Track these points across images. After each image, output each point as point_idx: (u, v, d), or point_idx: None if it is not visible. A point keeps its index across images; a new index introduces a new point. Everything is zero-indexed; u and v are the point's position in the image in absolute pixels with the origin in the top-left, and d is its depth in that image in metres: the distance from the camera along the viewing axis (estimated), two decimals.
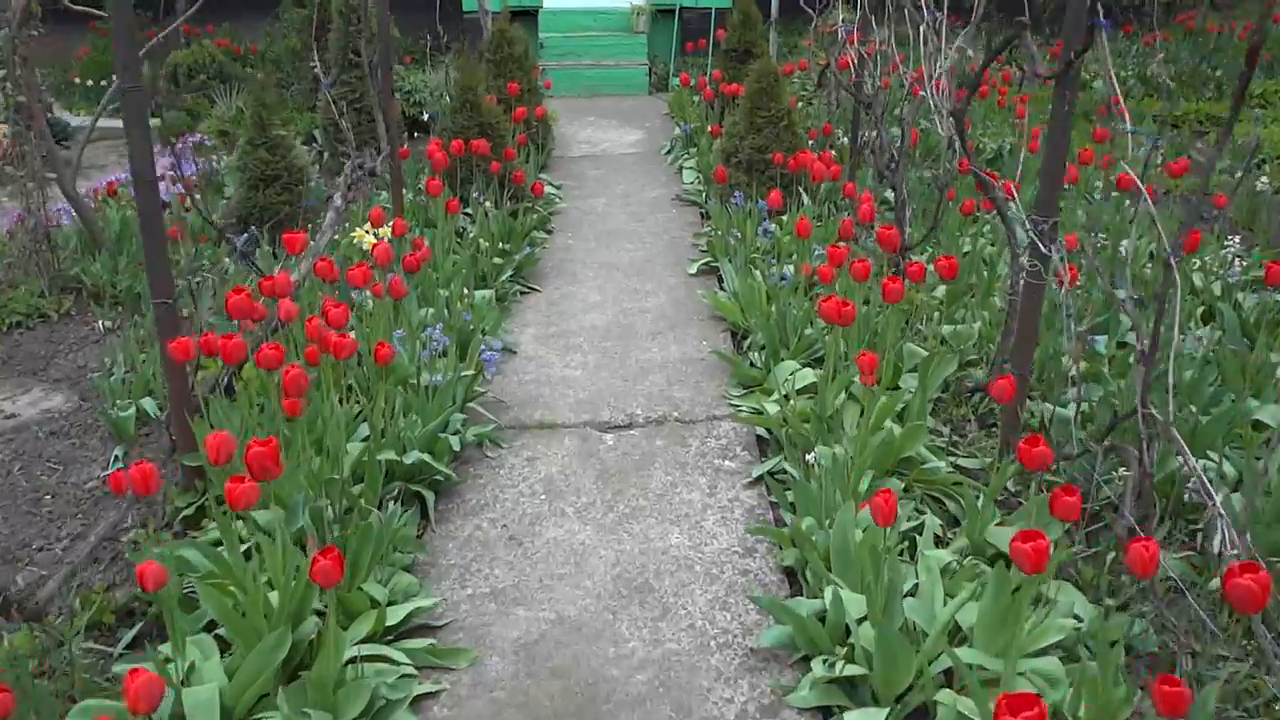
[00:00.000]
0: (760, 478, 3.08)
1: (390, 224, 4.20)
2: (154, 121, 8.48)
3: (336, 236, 4.56)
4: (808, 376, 3.49)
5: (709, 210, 5.66)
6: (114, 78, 9.70)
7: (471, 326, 3.84)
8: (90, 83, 9.80)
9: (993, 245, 4.95)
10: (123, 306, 4.68)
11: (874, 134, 5.21)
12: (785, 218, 4.83)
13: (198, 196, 5.89)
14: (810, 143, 5.86)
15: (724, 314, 4.25)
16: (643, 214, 5.89)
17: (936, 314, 4.10)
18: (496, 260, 4.66)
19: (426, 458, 2.93)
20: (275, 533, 2.35)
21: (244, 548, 2.58)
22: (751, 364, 3.81)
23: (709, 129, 6.49)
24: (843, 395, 3.26)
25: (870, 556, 2.35)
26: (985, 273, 4.40)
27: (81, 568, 2.68)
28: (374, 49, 5.03)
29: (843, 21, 5.85)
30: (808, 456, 2.92)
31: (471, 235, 4.85)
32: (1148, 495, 2.38)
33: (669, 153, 7.27)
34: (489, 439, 3.30)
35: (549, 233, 5.55)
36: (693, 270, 4.88)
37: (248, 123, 5.40)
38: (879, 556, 2.31)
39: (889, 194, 5.80)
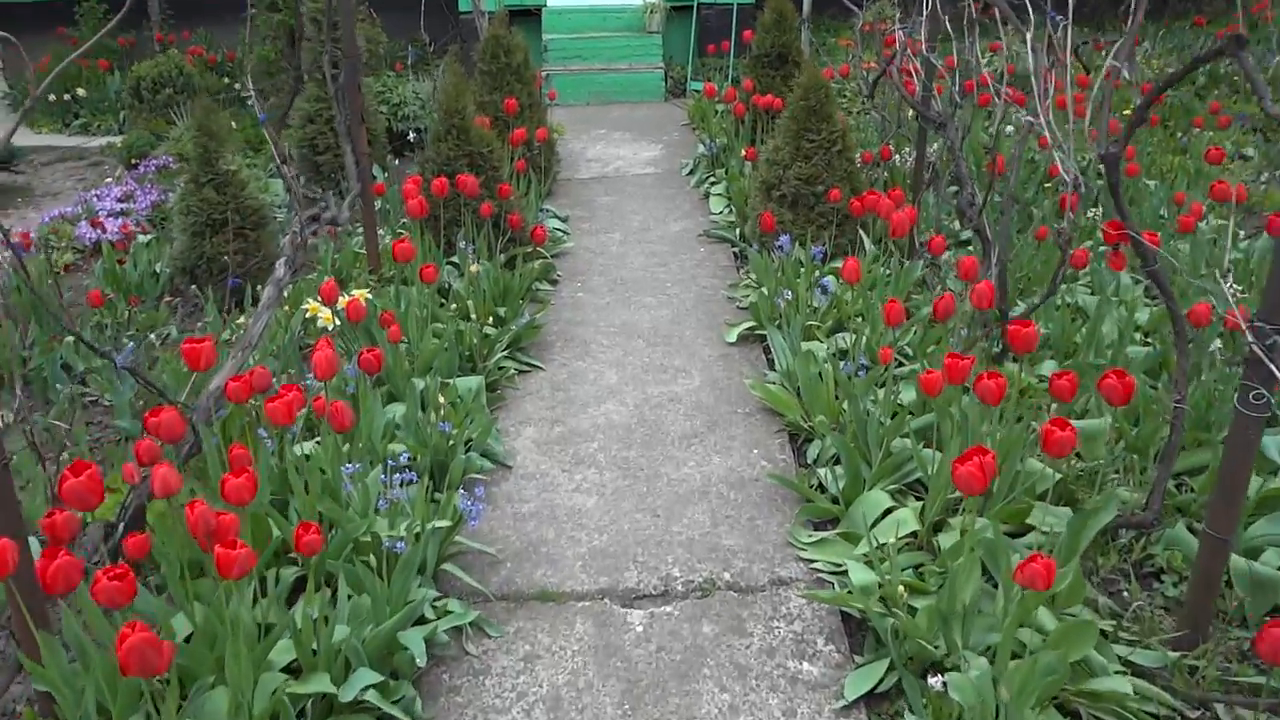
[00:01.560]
0: (859, 700, 2.15)
1: (349, 296, 3.30)
2: (115, 140, 7.61)
3: (286, 306, 3.66)
4: (908, 522, 2.56)
5: (745, 253, 4.72)
6: (79, 91, 8.96)
7: (451, 440, 2.92)
8: (53, 97, 8.89)
9: (1090, 294, 4.07)
10: (32, 388, 3.79)
11: (950, 162, 4.27)
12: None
13: (142, 239, 5.01)
14: (863, 168, 4.92)
15: (778, 408, 3.31)
16: (665, 255, 4.94)
17: (1053, 404, 3.17)
18: (489, 330, 3.74)
19: (373, 694, 2.01)
20: None
21: None
22: (821, 488, 2.88)
23: (742, 151, 5.52)
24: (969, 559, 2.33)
25: None
26: (1098, 338, 3.49)
27: None
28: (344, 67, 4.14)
29: (900, 22, 4.89)
30: (931, 681, 2.00)
31: (457, 300, 3.92)
32: None
33: (691, 173, 6.31)
34: (472, 626, 2.39)
35: (553, 283, 4.59)
36: (732, 338, 3.92)
37: (191, 155, 4.50)
38: None
39: (962, 231, 4.88)
